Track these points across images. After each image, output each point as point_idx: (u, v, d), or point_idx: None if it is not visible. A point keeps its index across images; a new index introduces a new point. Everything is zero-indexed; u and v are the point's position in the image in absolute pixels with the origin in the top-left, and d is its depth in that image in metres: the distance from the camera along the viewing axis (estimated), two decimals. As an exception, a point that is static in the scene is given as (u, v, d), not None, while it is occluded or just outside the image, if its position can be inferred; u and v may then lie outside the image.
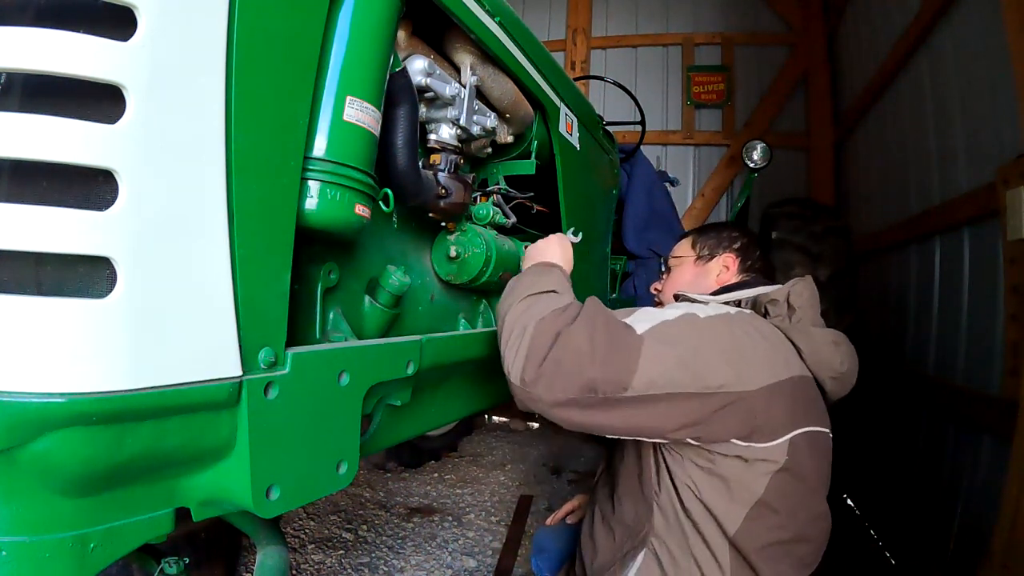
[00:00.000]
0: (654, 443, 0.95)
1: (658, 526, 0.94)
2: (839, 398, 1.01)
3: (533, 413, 0.88)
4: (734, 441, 0.85)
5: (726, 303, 1.05)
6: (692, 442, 0.87)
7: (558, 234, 1.18)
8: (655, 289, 1.32)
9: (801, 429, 0.88)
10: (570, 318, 0.85)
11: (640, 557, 0.95)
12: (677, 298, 1.13)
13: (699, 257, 1.22)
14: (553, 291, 0.93)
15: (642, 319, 0.87)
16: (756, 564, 0.87)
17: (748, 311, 0.99)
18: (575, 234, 1.27)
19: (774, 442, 0.85)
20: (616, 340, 0.82)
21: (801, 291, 0.98)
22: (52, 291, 0.51)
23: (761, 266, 1.19)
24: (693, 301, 1.07)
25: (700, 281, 1.19)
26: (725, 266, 1.18)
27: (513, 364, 0.83)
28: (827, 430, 0.95)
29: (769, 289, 1.06)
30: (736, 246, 1.19)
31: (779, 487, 0.87)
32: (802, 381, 0.91)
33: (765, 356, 0.88)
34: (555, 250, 1.10)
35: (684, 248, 1.26)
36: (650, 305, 2.65)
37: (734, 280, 1.16)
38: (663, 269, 1.31)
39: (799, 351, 0.94)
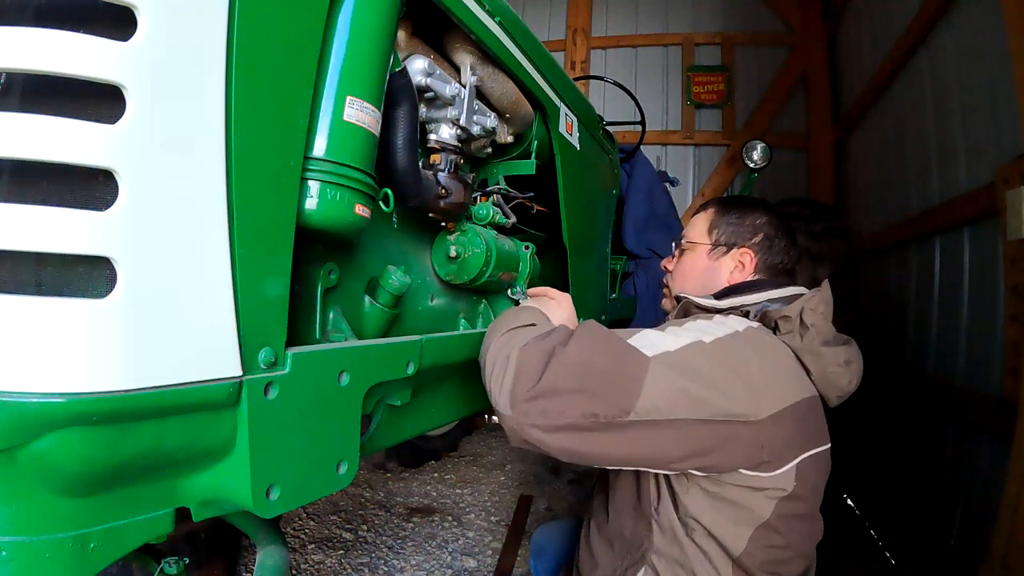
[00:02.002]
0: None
1: (658, 543, 0.91)
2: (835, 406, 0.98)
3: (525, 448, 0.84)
4: (741, 471, 0.81)
5: (733, 308, 1.00)
6: (696, 472, 0.83)
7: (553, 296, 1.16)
8: (665, 266, 1.25)
9: (807, 453, 0.84)
10: (562, 338, 0.81)
11: (640, 574, 0.93)
12: (679, 300, 1.08)
13: (714, 247, 1.12)
14: (532, 324, 0.90)
15: (647, 343, 0.82)
16: None
17: (756, 325, 0.92)
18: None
19: (781, 470, 0.82)
20: (620, 360, 0.77)
21: (816, 306, 0.90)
22: (52, 291, 0.51)
23: (782, 261, 1.09)
24: (698, 307, 1.02)
25: (710, 278, 1.11)
26: (740, 263, 1.09)
27: (500, 394, 0.78)
28: (828, 445, 0.91)
29: (780, 293, 1.01)
30: (757, 239, 1.09)
31: (785, 512, 0.84)
32: (808, 402, 0.87)
33: (773, 380, 0.83)
34: (543, 302, 1.09)
35: (700, 230, 1.15)
36: (650, 304, 2.63)
37: (746, 279, 1.08)
38: (676, 247, 1.23)
39: (807, 371, 0.90)
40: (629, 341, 0.82)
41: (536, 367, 0.77)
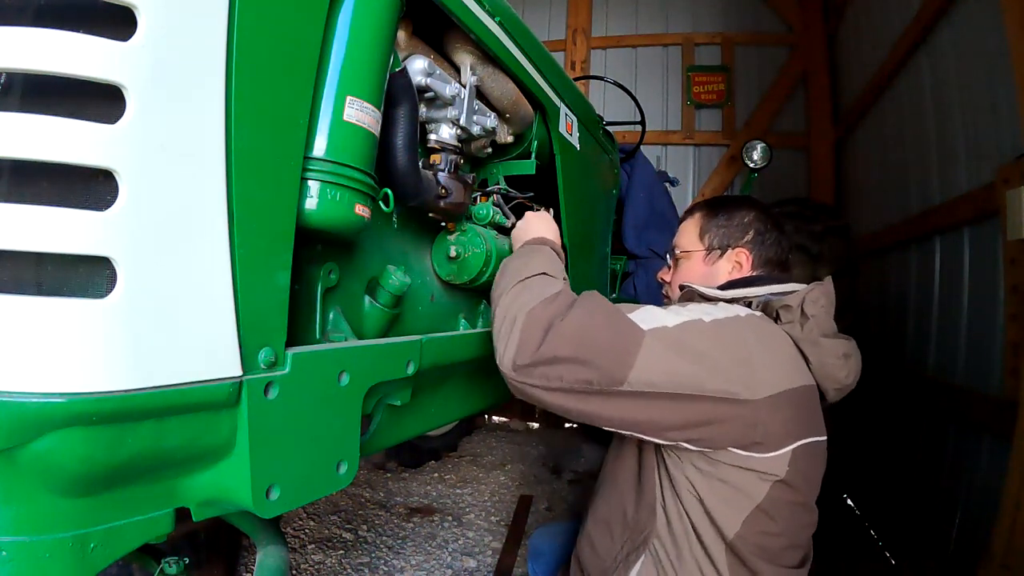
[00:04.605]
0: (655, 444, 0.93)
1: (660, 528, 0.93)
2: (835, 401, 0.99)
3: (533, 411, 0.87)
4: (732, 450, 0.83)
5: (735, 299, 1.00)
6: (689, 446, 0.85)
7: (534, 212, 1.17)
8: (662, 278, 1.25)
9: (802, 441, 0.86)
10: (563, 308, 0.83)
11: (641, 560, 0.94)
12: (683, 288, 1.08)
13: (708, 252, 1.12)
14: (543, 273, 0.92)
15: (646, 317, 0.85)
16: (754, 566, 0.86)
17: (759, 314, 0.94)
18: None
19: (775, 453, 0.83)
20: (615, 333, 0.80)
21: (817, 298, 0.91)
22: (52, 291, 0.51)
23: (776, 253, 1.10)
24: (702, 296, 1.03)
25: (709, 281, 1.11)
26: (737, 262, 1.10)
27: (504, 354, 0.83)
28: (824, 437, 0.93)
29: (782, 288, 1.02)
30: (749, 236, 1.10)
31: (777, 497, 0.85)
32: (806, 390, 0.88)
33: (772, 364, 0.85)
34: (537, 226, 1.10)
35: (691, 237, 1.16)
36: (650, 303, 2.64)
37: (746, 275, 1.09)
38: (670, 257, 1.23)
39: (807, 360, 0.91)
40: (629, 315, 0.85)
41: (537, 335, 0.80)
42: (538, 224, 1.12)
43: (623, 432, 0.88)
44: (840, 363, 0.92)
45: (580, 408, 0.82)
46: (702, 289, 1.04)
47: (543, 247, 1.02)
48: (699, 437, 0.83)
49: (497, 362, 0.85)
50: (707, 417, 0.81)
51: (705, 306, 0.91)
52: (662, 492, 0.93)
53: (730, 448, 0.83)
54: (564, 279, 0.96)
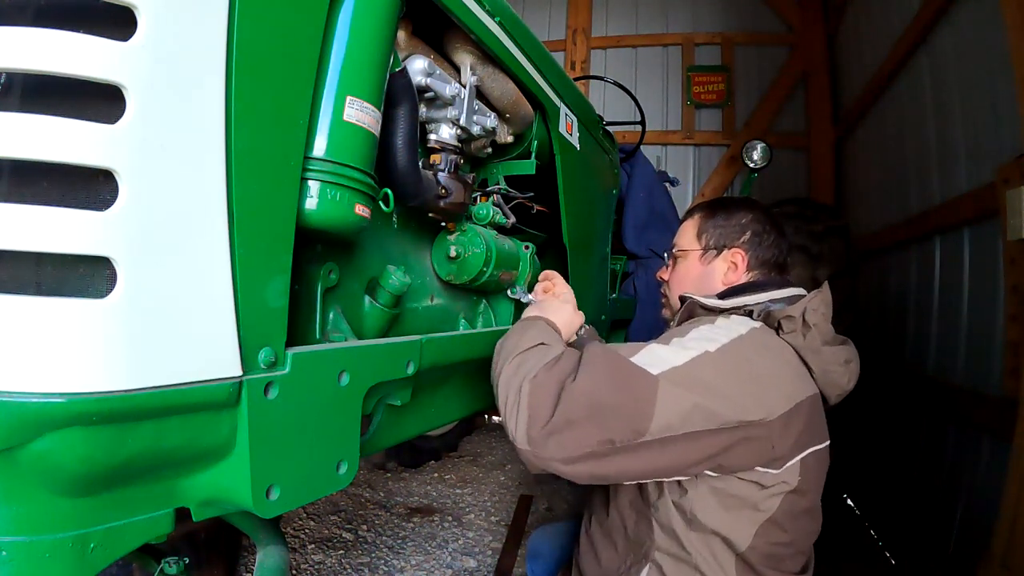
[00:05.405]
0: None
1: (661, 540, 0.92)
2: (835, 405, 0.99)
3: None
4: (755, 468, 0.83)
5: (736, 308, 1.00)
6: (710, 473, 0.85)
7: (549, 298, 1.17)
8: (660, 277, 1.26)
9: (810, 449, 0.86)
10: (569, 369, 0.82)
11: (645, 571, 0.93)
12: (683, 301, 1.08)
13: (705, 252, 1.13)
14: (540, 344, 0.90)
15: (653, 360, 0.83)
16: (762, 573, 0.87)
17: (759, 325, 0.93)
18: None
19: (787, 465, 0.84)
20: (629, 386, 0.78)
21: (817, 306, 0.91)
22: (52, 291, 0.51)
23: (774, 255, 1.10)
24: (702, 307, 1.03)
25: (706, 282, 1.11)
26: (733, 263, 1.10)
27: (517, 429, 0.79)
28: (827, 442, 0.93)
29: (782, 294, 1.02)
30: (745, 237, 1.10)
31: (788, 506, 0.86)
32: (812, 400, 0.89)
33: (781, 382, 0.85)
34: (545, 306, 1.09)
35: (689, 237, 1.17)
36: (650, 304, 2.62)
37: (742, 280, 1.09)
38: (668, 257, 1.23)
39: (809, 370, 0.92)
40: (635, 360, 0.83)
41: (548, 402, 0.78)
42: (546, 305, 1.10)
43: (644, 482, 0.87)
44: (842, 369, 0.93)
45: (603, 471, 0.79)
46: (702, 300, 1.04)
47: (537, 320, 0.99)
48: (720, 464, 0.82)
49: (511, 441, 0.82)
50: (727, 445, 0.80)
51: (706, 330, 0.90)
52: (665, 506, 0.92)
53: (752, 468, 0.83)
54: (562, 347, 0.93)
